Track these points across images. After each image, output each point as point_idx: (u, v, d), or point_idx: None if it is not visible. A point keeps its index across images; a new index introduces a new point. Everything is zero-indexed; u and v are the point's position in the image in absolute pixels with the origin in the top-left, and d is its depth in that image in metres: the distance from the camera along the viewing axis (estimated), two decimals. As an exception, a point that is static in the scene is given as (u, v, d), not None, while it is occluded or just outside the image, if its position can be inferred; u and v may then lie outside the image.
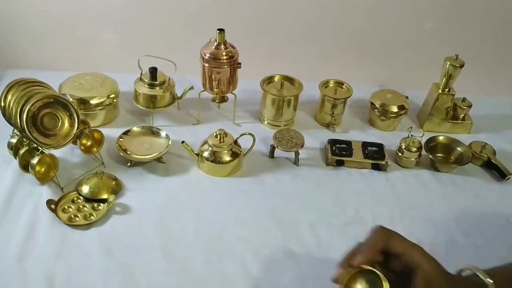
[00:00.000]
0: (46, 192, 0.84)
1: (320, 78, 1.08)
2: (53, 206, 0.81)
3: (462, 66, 0.99)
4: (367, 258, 0.57)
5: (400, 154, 0.97)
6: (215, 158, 0.90)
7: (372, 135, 1.06)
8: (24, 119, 0.79)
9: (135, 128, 0.96)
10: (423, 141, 0.97)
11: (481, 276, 0.58)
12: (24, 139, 0.85)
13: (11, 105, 0.82)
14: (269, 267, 0.75)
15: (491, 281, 0.57)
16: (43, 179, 0.84)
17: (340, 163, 0.96)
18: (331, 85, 1.08)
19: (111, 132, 0.96)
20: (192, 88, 1.03)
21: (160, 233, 0.79)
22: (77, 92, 0.98)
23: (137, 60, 0.98)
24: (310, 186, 0.92)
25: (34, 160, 0.82)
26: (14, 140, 0.86)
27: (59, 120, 0.85)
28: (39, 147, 0.83)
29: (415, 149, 0.96)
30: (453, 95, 1.04)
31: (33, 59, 1.18)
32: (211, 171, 0.92)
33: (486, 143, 1.00)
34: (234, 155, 0.91)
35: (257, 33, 1.17)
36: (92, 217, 0.80)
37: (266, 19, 1.16)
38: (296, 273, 0.75)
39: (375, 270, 0.56)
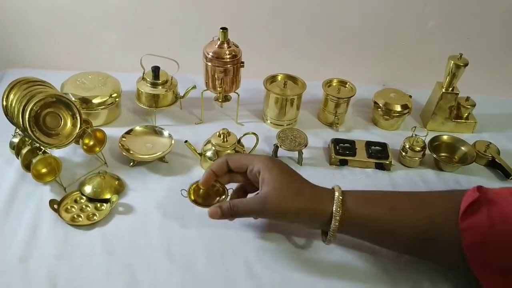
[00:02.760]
0: (48, 192, 0.84)
1: (323, 77, 1.07)
2: (55, 206, 0.80)
3: (466, 65, 0.99)
4: (210, 168, 0.75)
5: (404, 153, 0.96)
6: (218, 158, 0.90)
7: (376, 135, 1.06)
8: (27, 119, 0.78)
9: (137, 128, 0.96)
10: (427, 140, 0.97)
11: (335, 188, 0.71)
12: (27, 139, 0.84)
13: (13, 104, 0.81)
14: (273, 267, 0.75)
15: (339, 192, 0.70)
16: (40, 178, 0.84)
17: (343, 163, 0.96)
18: (334, 84, 1.08)
19: (113, 132, 0.95)
20: (195, 87, 1.03)
21: (163, 233, 0.79)
22: (79, 91, 0.98)
23: (140, 59, 0.97)
24: (313, 185, 0.91)
25: (34, 160, 0.82)
26: (16, 140, 0.85)
27: (61, 119, 0.84)
28: (41, 147, 0.83)
29: (419, 149, 0.95)
30: (457, 94, 1.04)
31: (35, 58, 1.18)
32: (214, 170, 0.91)
33: (490, 143, 1.00)
34: (237, 154, 0.91)
35: (261, 32, 1.17)
36: (95, 217, 0.80)
37: (269, 18, 1.16)
38: (300, 272, 0.74)
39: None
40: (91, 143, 0.90)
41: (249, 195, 0.79)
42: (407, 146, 0.96)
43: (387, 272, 0.75)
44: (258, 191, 0.73)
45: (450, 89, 1.03)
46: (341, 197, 0.69)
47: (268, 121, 1.07)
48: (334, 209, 0.68)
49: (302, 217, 0.71)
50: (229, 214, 0.71)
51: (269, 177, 0.70)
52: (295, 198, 0.69)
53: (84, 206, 0.82)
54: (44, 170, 0.85)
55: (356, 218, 0.69)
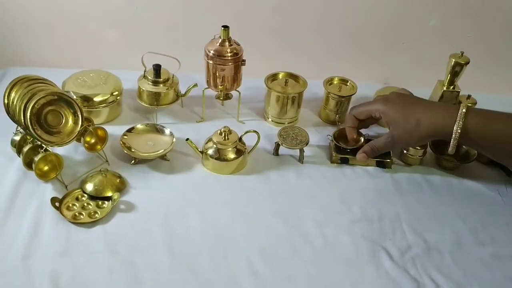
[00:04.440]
0: (50, 190, 0.84)
1: (324, 76, 1.07)
2: (57, 204, 0.80)
3: (467, 63, 0.98)
4: (346, 126, 0.95)
5: (405, 151, 0.96)
6: (219, 156, 0.90)
7: (377, 133, 1.06)
8: (28, 116, 0.79)
9: (139, 126, 0.96)
10: (428, 138, 0.97)
11: (460, 107, 0.78)
12: (28, 137, 0.84)
13: (14, 102, 0.82)
14: (275, 265, 0.75)
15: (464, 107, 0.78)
16: (43, 177, 0.84)
17: (344, 161, 0.96)
18: (335, 82, 1.08)
19: (114, 130, 0.95)
20: (196, 85, 1.03)
21: (164, 231, 0.79)
22: (81, 89, 0.98)
23: (141, 57, 0.97)
24: (315, 183, 0.91)
25: (36, 158, 0.82)
26: (17, 138, 0.85)
27: (63, 117, 0.84)
28: (43, 145, 0.83)
29: (420, 147, 0.95)
30: (458, 92, 1.03)
31: (36, 57, 1.18)
32: (215, 168, 0.91)
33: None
34: (239, 152, 0.91)
35: (262, 30, 1.17)
36: (96, 215, 0.80)
37: (270, 16, 1.16)
38: (302, 271, 0.75)
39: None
40: (93, 141, 0.90)
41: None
42: (408, 144, 0.96)
43: (390, 272, 0.75)
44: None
45: (451, 87, 1.03)
46: (462, 119, 0.78)
47: (269, 119, 1.07)
48: (454, 129, 0.78)
49: (426, 140, 0.87)
50: (372, 154, 0.90)
51: (389, 119, 0.84)
52: (415, 130, 0.81)
53: (85, 204, 0.82)
54: (46, 168, 0.85)
55: (475, 136, 0.79)
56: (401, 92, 0.90)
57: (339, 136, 0.97)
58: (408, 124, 0.81)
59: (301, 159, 0.96)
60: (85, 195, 0.84)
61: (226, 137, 0.90)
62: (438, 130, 0.80)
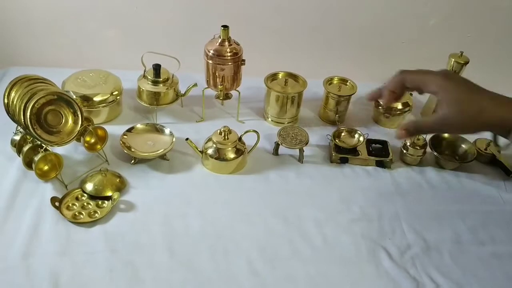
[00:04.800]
0: (50, 190, 0.84)
1: (324, 75, 1.07)
2: (57, 204, 0.80)
3: (466, 63, 0.99)
4: (387, 88, 0.75)
5: (404, 151, 0.97)
6: (219, 155, 0.90)
7: (377, 132, 1.06)
8: (28, 116, 0.79)
9: (139, 125, 0.96)
10: (427, 138, 0.97)
11: None
12: (28, 136, 0.84)
13: (14, 102, 0.82)
14: (275, 264, 0.75)
15: None
16: (43, 176, 0.84)
17: (344, 160, 0.96)
18: (335, 82, 1.08)
19: (114, 129, 0.96)
20: (195, 85, 1.03)
21: (164, 231, 0.79)
22: (81, 89, 0.98)
23: (141, 57, 0.98)
24: (314, 183, 0.92)
25: (36, 158, 0.82)
26: (17, 137, 0.85)
27: (62, 117, 0.84)
28: (42, 144, 0.83)
29: (419, 146, 0.95)
30: (458, 92, 1.03)
31: (36, 56, 1.18)
32: (215, 168, 0.91)
33: (491, 140, 1.00)
34: (239, 152, 0.91)
35: (262, 30, 1.17)
36: (96, 215, 0.80)
37: (270, 16, 1.16)
38: (301, 270, 0.75)
39: None
40: (93, 140, 0.90)
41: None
42: (408, 144, 0.96)
43: (390, 272, 0.76)
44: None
45: (451, 87, 1.03)
46: None
47: (269, 119, 1.07)
48: None
49: (483, 129, 0.72)
50: (414, 133, 0.75)
51: (449, 97, 0.70)
52: (477, 116, 0.69)
53: (85, 204, 0.82)
54: (46, 168, 0.85)
55: None
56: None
57: (339, 136, 0.97)
58: (470, 109, 0.70)
59: (300, 159, 0.96)
60: (85, 194, 0.84)
61: (226, 137, 0.90)
62: (500, 123, 0.70)
